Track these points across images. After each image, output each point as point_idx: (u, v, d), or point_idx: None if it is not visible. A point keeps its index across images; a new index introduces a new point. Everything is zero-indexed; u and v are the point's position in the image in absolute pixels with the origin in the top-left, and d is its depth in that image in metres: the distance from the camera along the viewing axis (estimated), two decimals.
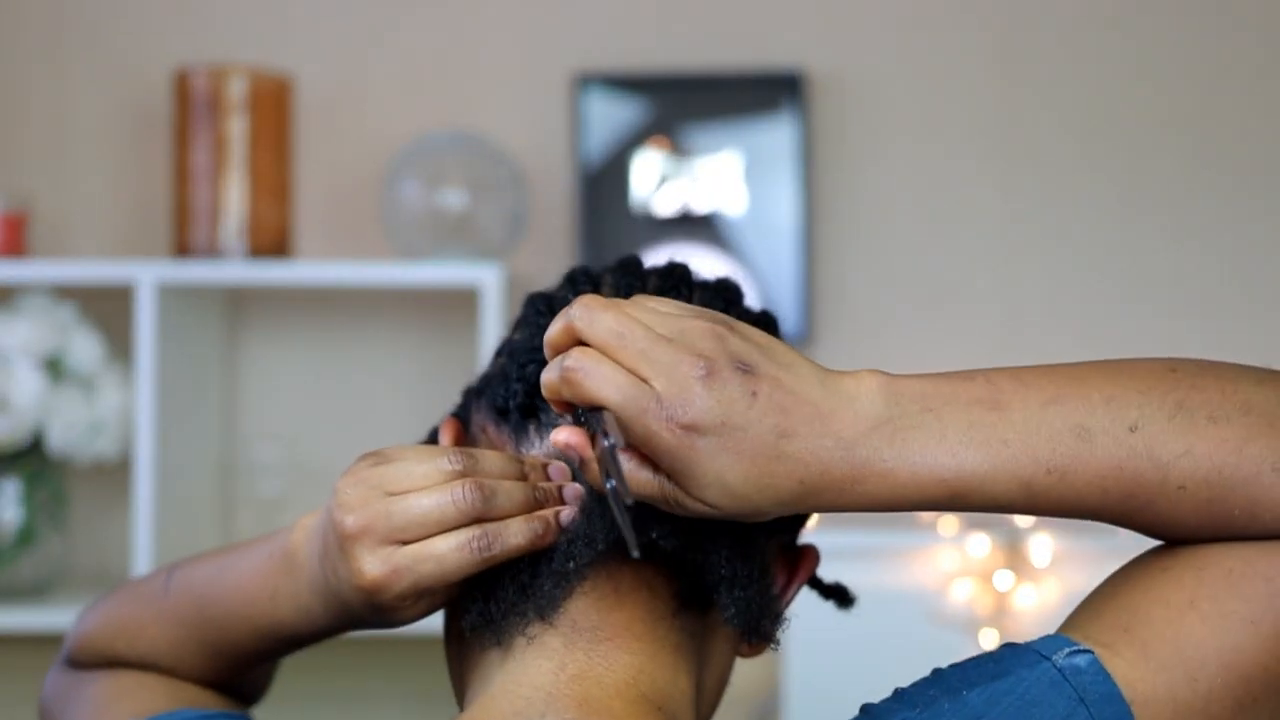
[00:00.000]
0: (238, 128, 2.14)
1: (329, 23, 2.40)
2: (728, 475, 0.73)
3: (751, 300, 0.92)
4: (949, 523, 2.12)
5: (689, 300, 0.87)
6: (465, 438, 0.91)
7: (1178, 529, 0.76)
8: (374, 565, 0.81)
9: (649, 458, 0.74)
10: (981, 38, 2.34)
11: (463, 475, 0.81)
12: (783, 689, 2.01)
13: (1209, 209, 2.32)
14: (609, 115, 2.32)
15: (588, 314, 0.74)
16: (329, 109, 2.37)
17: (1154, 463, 0.74)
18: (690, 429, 0.72)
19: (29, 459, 2.17)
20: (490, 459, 0.83)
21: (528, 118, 2.36)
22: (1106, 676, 0.73)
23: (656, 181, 2.32)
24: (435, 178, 2.20)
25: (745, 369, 0.74)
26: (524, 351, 0.88)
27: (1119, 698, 0.73)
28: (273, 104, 2.17)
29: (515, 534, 0.81)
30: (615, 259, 0.92)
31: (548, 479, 0.84)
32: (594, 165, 2.32)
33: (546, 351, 0.77)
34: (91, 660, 1.03)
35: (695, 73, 2.33)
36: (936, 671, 0.78)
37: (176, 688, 0.98)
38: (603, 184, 2.32)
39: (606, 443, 0.73)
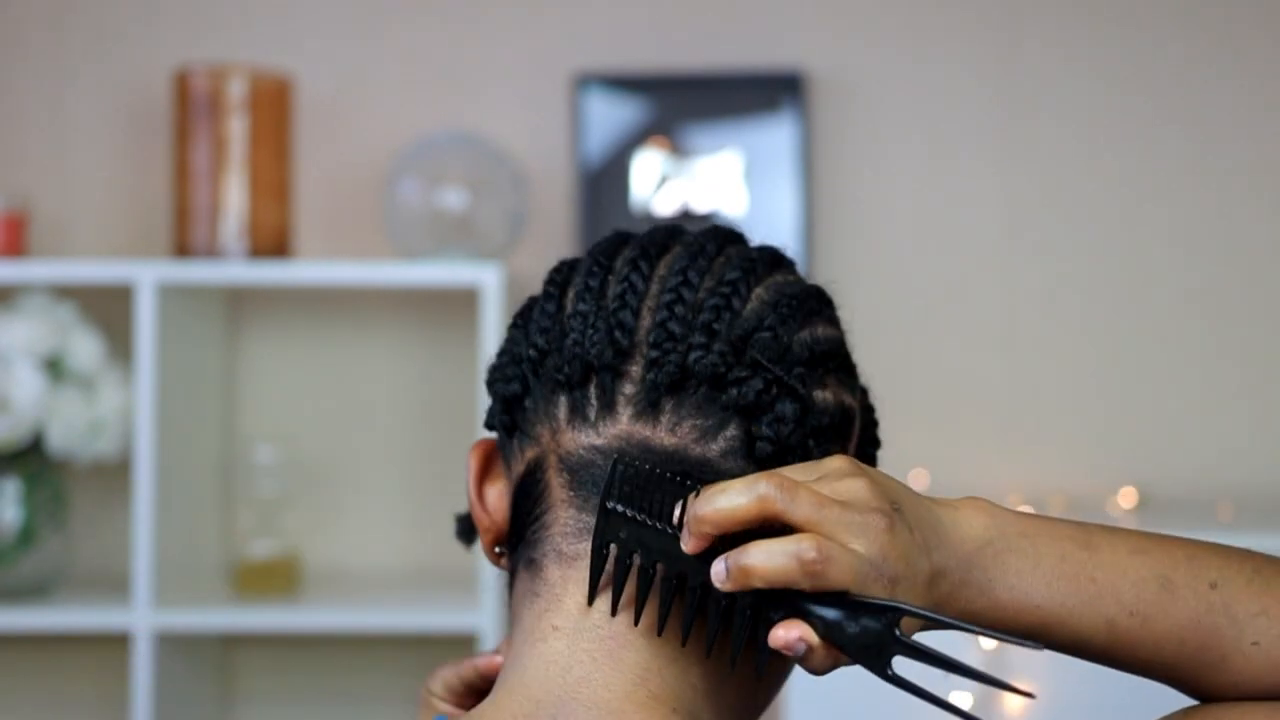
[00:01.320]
0: (238, 128, 2.14)
1: (329, 23, 2.40)
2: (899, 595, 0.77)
3: (749, 240, 0.90)
4: None
5: (655, 267, 0.85)
6: (495, 457, 0.89)
7: (1244, 687, 0.80)
8: (823, 546, 0.79)
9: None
10: (981, 38, 2.34)
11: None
12: (783, 689, 2.01)
13: (1210, 209, 2.32)
14: (609, 115, 2.32)
15: (787, 495, 0.75)
16: (329, 109, 2.37)
17: (1231, 619, 0.79)
18: (894, 581, 0.76)
19: (29, 459, 2.17)
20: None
21: (528, 118, 2.36)
22: None
23: (656, 181, 2.32)
24: (435, 178, 2.20)
25: (896, 508, 0.77)
26: (495, 369, 0.88)
27: None
28: (273, 104, 2.17)
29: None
30: (595, 242, 0.90)
31: None
32: (594, 165, 2.32)
33: (721, 525, 0.76)
34: None
35: (695, 73, 2.33)
36: None
37: None
38: (603, 184, 2.32)
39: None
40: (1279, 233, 2.32)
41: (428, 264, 2.17)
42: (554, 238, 2.34)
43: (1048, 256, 2.33)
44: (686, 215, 2.32)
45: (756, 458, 0.82)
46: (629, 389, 0.82)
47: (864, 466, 0.79)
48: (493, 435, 0.90)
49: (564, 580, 0.82)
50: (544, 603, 0.82)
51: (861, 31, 2.35)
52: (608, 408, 0.82)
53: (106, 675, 2.32)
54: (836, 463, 0.78)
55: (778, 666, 0.87)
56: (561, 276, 0.88)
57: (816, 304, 0.87)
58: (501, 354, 0.88)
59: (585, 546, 0.82)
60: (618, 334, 0.82)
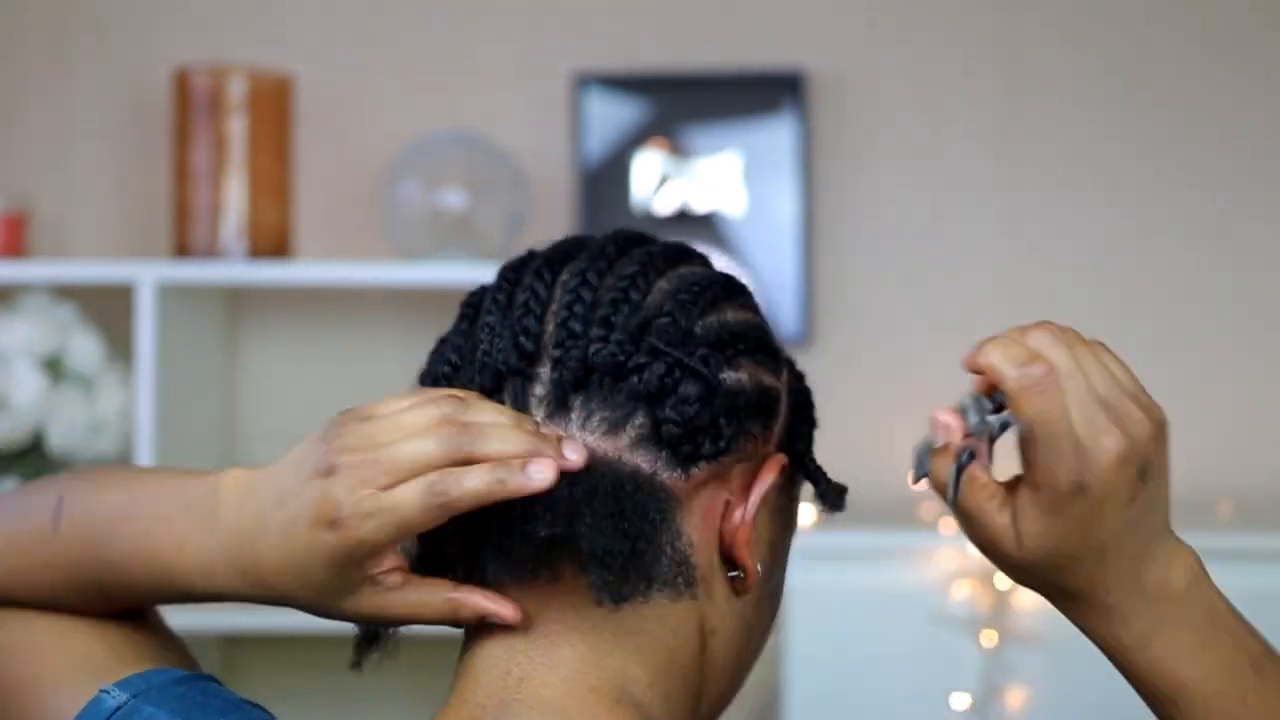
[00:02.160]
0: (238, 128, 2.14)
1: (329, 23, 2.40)
2: (1061, 542, 0.78)
3: (789, 287, 0.91)
4: (949, 523, 2.12)
5: (558, 275, 0.86)
6: None
7: None
8: (345, 505, 0.78)
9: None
10: (981, 37, 2.34)
11: (450, 419, 0.79)
12: (783, 689, 2.01)
13: (1211, 208, 2.32)
14: (609, 115, 2.32)
15: (1061, 344, 0.80)
16: (329, 109, 2.37)
17: None
18: (1077, 489, 0.77)
19: (29, 459, 2.17)
20: (486, 407, 0.80)
21: (528, 118, 2.36)
22: None
23: (656, 181, 2.32)
24: (435, 178, 2.20)
25: (1144, 475, 0.78)
26: (425, 365, 0.91)
27: None
28: (273, 104, 2.17)
29: (473, 478, 0.76)
30: (552, 241, 0.91)
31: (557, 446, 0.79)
32: (594, 165, 2.32)
33: (1007, 352, 0.83)
34: None
35: (695, 73, 2.33)
36: None
37: (94, 629, 0.90)
38: (603, 184, 2.32)
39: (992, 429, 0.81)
40: (1279, 232, 2.32)
41: (428, 264, 2.17)
42: (554, 238, 2.32)
43: (1048, 256, 2.33)
44: (686, 215, 2.32)
45: (666, 441, 0.81)
46: (539, 391, 0.82)
47: (1159, 446, 0.80)
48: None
49: (502, 581, 0.81)
50: (479, 603, 0.82)
51: (861, 31, 2.35)
52: (521, 410, 0.82)
53: None
54: (1153, 408, 0.81)
55: (741, 643, 0.86)
56: (474, 298, 0.89)
57: (724, 290, 0.86)
58: (421, 378, 0.90)
59: (522, 546, 0.80)
60: (522, 339, 0.83)
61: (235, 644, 2.37)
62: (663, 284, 0.85)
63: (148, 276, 2.10)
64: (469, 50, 2.38)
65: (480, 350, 0.85)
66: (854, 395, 2.26)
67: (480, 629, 0.82)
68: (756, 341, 0.85)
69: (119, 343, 2.24)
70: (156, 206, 2.35)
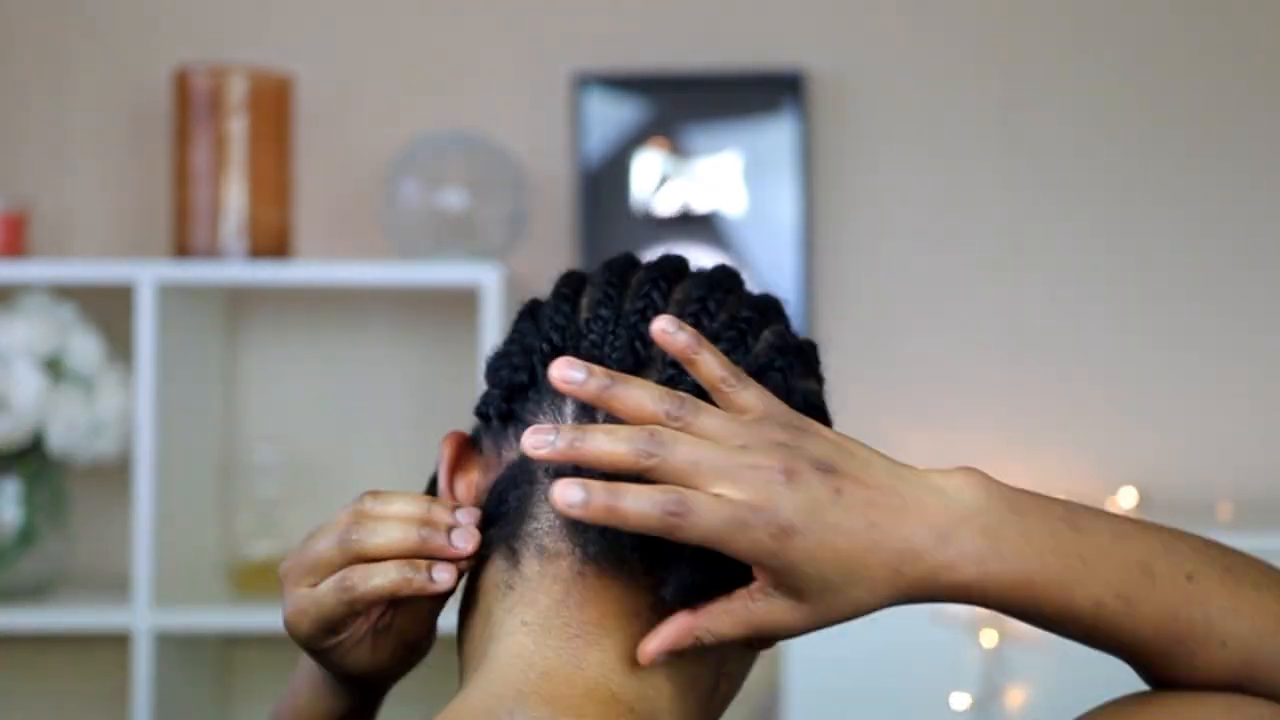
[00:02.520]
0: (238, 128, 2.14)
1: (329, 23, 2.40)
2: (826, 572, 0.75)
3: (751, 286, 0.91)
4: None
5: (670, 291, 0.86)
6: (468, 450, 0.90)
7: (1204, 681, 0.80)
8: (287, 605, 0.85)
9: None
10: (981, 38, 2.34)
11: (358, 514, 0.84)
12: (783, 689, 2.01)
13: (1212, 209, 2.32)
14: (609, 115, 2.32)
15: (660, 447, 0.75)
16: (329, 109, 2.37)
17: (1205, 615, 0.79)
18: (786, 532, 0.74)
19: (29, 459, 2.17)
20: (398, 501, 0.84)
21: (528, 118, 2.36)
22: None
23: (656, 181, 2.32)
24: (435, 178, 2.20)
25: (825, 469, 0.76)
26: (498, 356, 0.88)
27: None
28: (273, 104, 2.17)
29: (379, 576, 0.82)
30: (606, 258, 0.91)
31: (453, 521, 0.84)
32: (594, 165, 2.32)
33: (593, 466, 0.76)
34: None
35: (695, 73, 2.33)
36: None
37: None
38: (603, 184, 2.32)
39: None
40: (1279, 233, 2.32)
41: (428, 264, 2.17)
42: (554, 238, 2.34)
43: (1048, 256, 2.33)
44: (686, 215, 2.32)
45: None
46: None
47: (824, 429, 0.79)
48: (462, 429, 0.91)
49: (541, 576, 0.82)
50: (516, 596, 0.82)
51: (861, 31, 2.35)
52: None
53: (106, 675, 2.32)
54: (778, 408, 0.79)
55: (739, 665, 0.89)
56: (573, 284, 0.89)
57: (814, 356, 0.90)
58: (509, 343, 0.88)
59: (568, 545, 0.82)
60: (638, 344, 0.83)
61: (235, 644, 2.37)
62: (768, 335, 0.87)
63: (148, 276, 2.10)
64: (469, 50, 2.38)
65: (588, 340, 0.84)
66: (854, 395, 2.26)
67: (512, 623, 0.82)
68: (825, 415, 0.90)
69: (119, 343, 2.24)
70: (156, 206, 2.35)
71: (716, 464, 0.74)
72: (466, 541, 0.82)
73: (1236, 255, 2.32)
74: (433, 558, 0.83)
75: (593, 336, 0.84)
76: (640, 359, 0.83)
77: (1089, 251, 2.33)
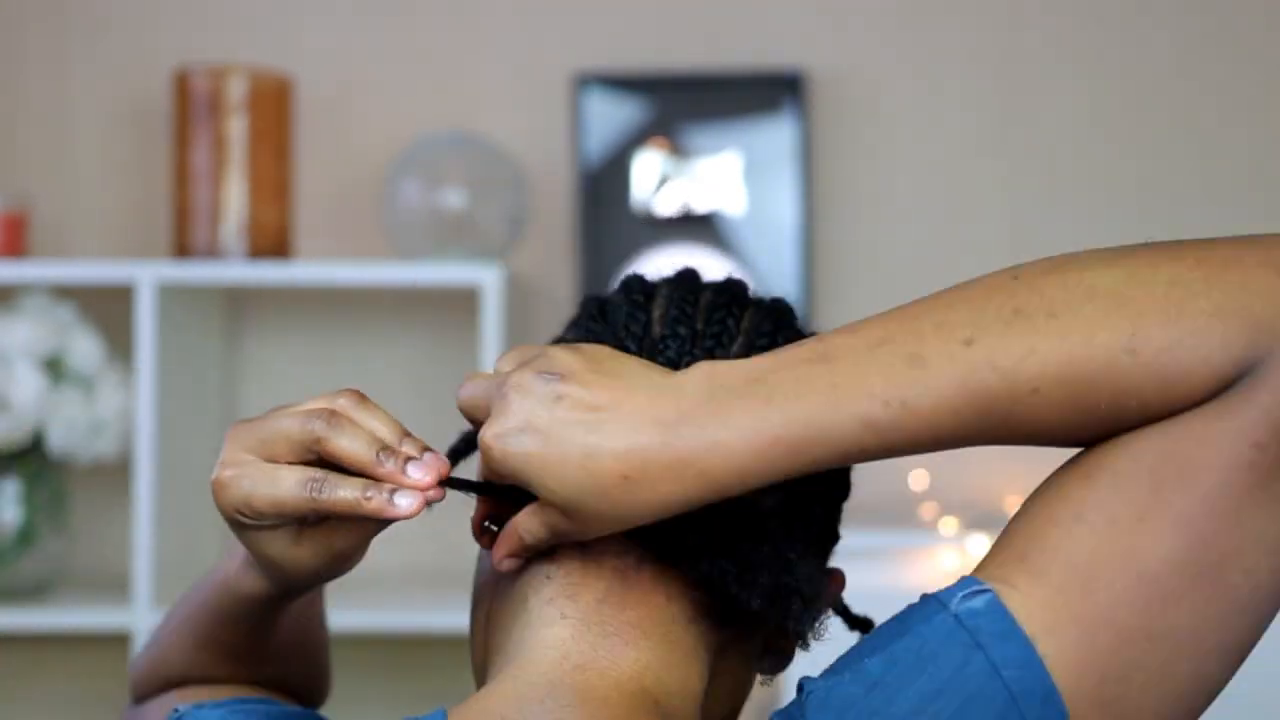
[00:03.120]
0: (238, 128, 2.14)
1: (329, 23, 2.40)
2: (549, 480, 0.75)
3: (791, 289, 0.93)
4: (949, 523, 2.12)
5: (741, 318, 0.88)
6: None
7: (1052, 435, 0.74)
8: (229, 461, 0.82)
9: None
10: (981, 37, 2.34)
11: (334, 414, 0.82)
12: (783, 689, 2.01)
13: (1212, 209, 2.32)
14: (609, 115, 2.32)
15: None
16: (329, 109, 2.37)
17: (998, 372, 0.72)
18: (500, 436, 0.76)
19: (29, 459, 2.17)
20: (377, 416, 0.83)
21: (528, 118, 2.36)
22: (1004, 613, 0.72)
23: (656, 181, 2.32)
24: (435, 178, 2.20)
25: (552, 376, 0.76)
26: None
27: (1018, 634, 0.72)
28: (273, 104, 2.17)
29: (346, 489, 0.79)
30: (674, 271, 0.91)
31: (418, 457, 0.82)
32: (594, 165, 2.32)
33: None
34: (147, 693, 1.06)
35: (695, 73, 2.33)
36: (866, 636, 0.78)
37: (219, 691, 0.99)
38: (603, 184, 2.32)
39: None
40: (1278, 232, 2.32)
41: (428, 264, 2.17)
42: (554, 238, 2.34)
43: (1047, 256, 2.33)
44: (686, 215, 2.32)
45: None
46: None
47: (584, 347, 0.79)
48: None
49: (584, 573, 0.82)
50: (555, 588, 0.82)
51: (861, 31, 2.35)
52: None
53: (106, 675, 2.32)
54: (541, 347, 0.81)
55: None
56: (644, 290, 0.89)
57: None
58: (579, 341, 0.87)
59: (612, 545, 0.82)
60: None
61: None
62: None
63: (148, 276, 2.10)
64: (469, 50, 2.38)
65: (665, 358, 0.85)
66: None
67: (550, 614, 0.82)
68: None
69: (119, 343, 2.24)
70: (156, 206, 2.35)
71: (473, 390, 0.81)
72: (424, 474, 0.80)
73: None
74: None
75: (669, 353, 0.85)
76: None
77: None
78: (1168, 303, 0.71)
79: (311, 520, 0.82)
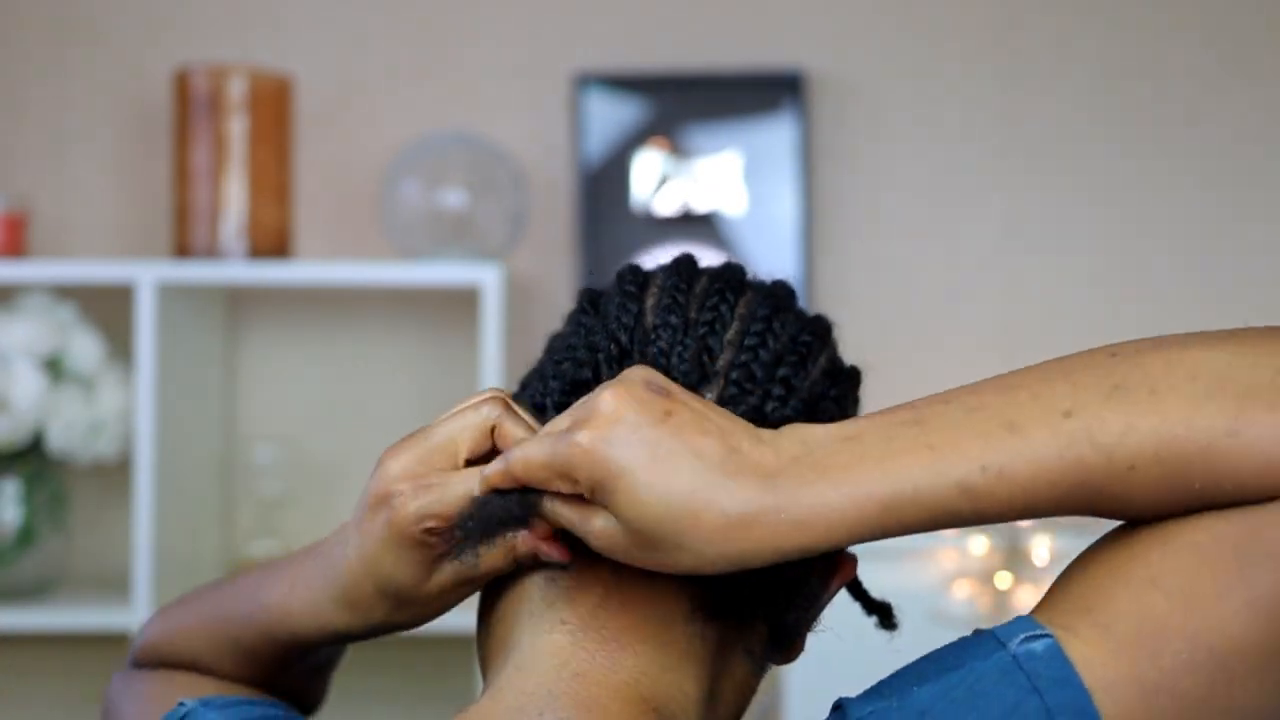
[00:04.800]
0: (238, 128, 2.14)
1: (329, 23, 2.40)
2: (640, 499, 0.72)
3: (803, 305, 0.92)
4: None
5: (735, 304, 0.87)
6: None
7: (1143, 510, 0.73)
8: (400, 477, 0.81)
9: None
10: (981, 38, 2.34)
11: (493, 400, 0.82)
12: (783, 689, 2.01)
13: (1211, 209, 2.32)
14: (609, 115, 2.32)
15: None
16: (329, 109, 2.37)
17: (1095, 446, 0.71)
18: (603, 439, 0.73)
19: (29, 459, 2.17)
20: (523, 411, 0.83)
21: (528, 118, 2.37)
22: (1064, 661, 0.71)
23: (656, 181, 2.32)
24: (435, 178, 2.20)
25: (662, 391, 0.75)
26: (561, 350, 0.87)
27: (1076, 682, 0.71)
28: (273, 104, 2.17)
29: (565, 509, 0.78)
30: (671, 257, 0.90)
31: None
32: (594, 165, 2.32)
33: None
34: (150, 662, 1.05)
35: (695, 73, 2.33)
36: (913, 663, 0.77)
37: (222, 686, 0.99)
38: (603, 184, 2.32)
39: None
40: (1278, 233, 2.32)
41: (428, 264, 2.17)
42: (554, 238, 2.34)
43: (1048, 256, 2.33)
44: (686, 215, 2.32)
45: None
46: None
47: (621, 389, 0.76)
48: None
49: (582, 574, 0.82)
50: (557, 592, 0.82)
51: (861, 31, 2.35)
52: None
53: (106, 675, 2.31)
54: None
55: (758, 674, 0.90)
56: (638, 280, 0.88)
57: (859, 381, 0.91)
58: (572, 336, 0.87)
59: None
60: (704, 357, 0.83)
61: None
62: (823, 361, 0.88)
63: (148, 276, 2.10)
64: (469, 50, 2.38)
65: (656, 347, 0.84)
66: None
67: (550, 619, 0.82)
68: None
69: (119, 343, 2.24)
70: (156, 206, 2.35)
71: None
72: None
73: (1236, 255, 2.32)
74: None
75: (660, 344, 0.84)
76: (705, 373, 0.83)
77: (1088, 251, 2.33)
78: (1273, 388, 0.72)
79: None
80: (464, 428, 0.81)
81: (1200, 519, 0.72)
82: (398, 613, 0.87)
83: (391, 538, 0.82)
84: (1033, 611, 0.76)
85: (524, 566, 0.84)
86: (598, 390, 0.75)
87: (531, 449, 0.76)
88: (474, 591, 0.86)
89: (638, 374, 0.75)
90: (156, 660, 1.04)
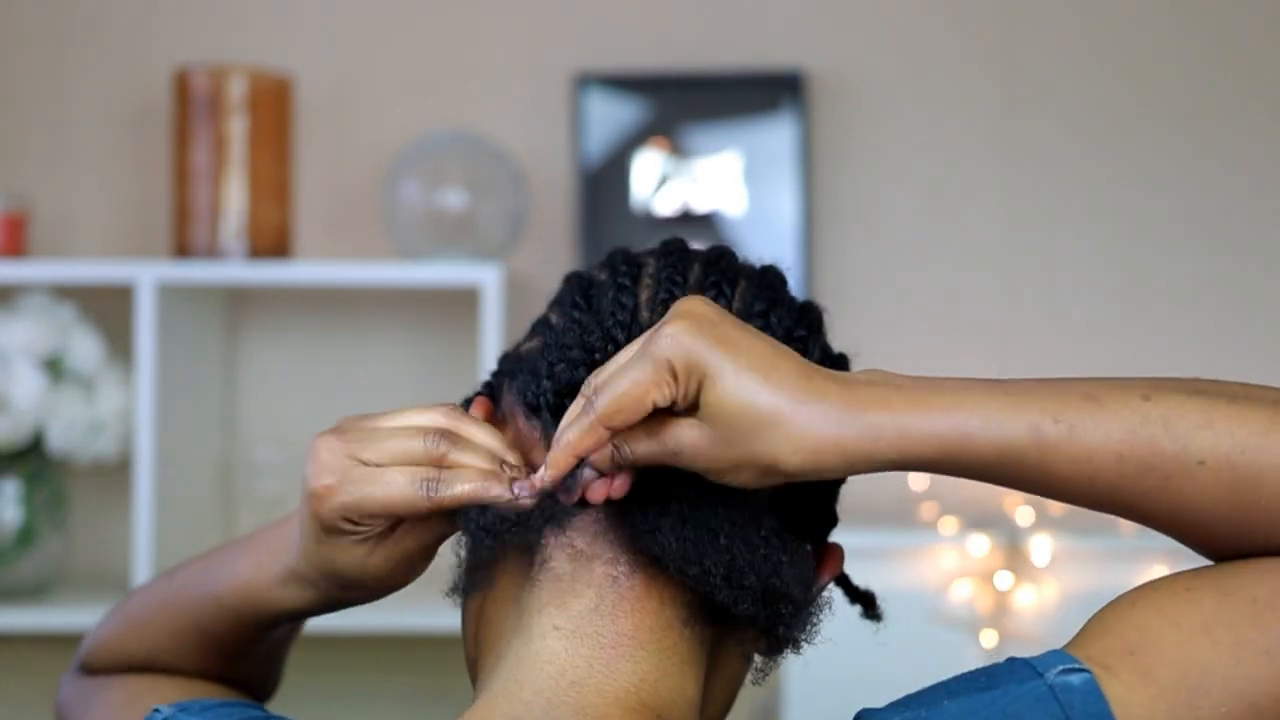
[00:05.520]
0: (238, 128, 2.14)
1: (329, 23, 2.40)
2: (728, 381, 0.73)
3: (794, 290, 0.91)
4: (949, 523, 2.12)
5: (732, 297, 0.86)
6: (496, 415, 0.89)
7: (1198, 515, 0.73)
8: (328, 469, 0.82)
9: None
10: (982, 37, 2.34)
11: (441, 430, 0.82)
12: (783, 689, 2.02)
13: (1210, 209, 2.32)
14: (609, 115, 2.32)
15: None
16: (329, 109, 2.37)
17: (1170, 432, 0.71)
18: (688, 330, 0.74)
19: (29, 459, 2.17)
20: (479, 430, 0.83)
21: (528, 118, 2.36)
22: (1100, 697, 0.72)
23: (656, 181, 2.32)
24: (435, 178, 2.20)
25: (718, 301, 0.77)
26: (555, 348, 0.86)
27: (1109, 718, 0.71)
28: (273, 104, 2.17)
29: (464, 480, 0.80)
30: (660, 242, 0.90)
31: (527, 468, 0.82)
32: (594, 165, 2.32)
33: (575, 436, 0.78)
34: (105, 665, 1.05)
35: (695, 73, 2.33)
36: (943, 681, 0.77)
37: (186, 684, 0.99)
38: (603, 184, 2.33)
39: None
40: (1278, 233, 2.32)
41: (428, 264, 2.17)
42: (554, 238, 2.34)
43: (1048, 256, 2.33)
44: (686, 215, 2.32)
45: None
46: None
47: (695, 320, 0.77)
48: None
49: (574, 579, 0.81)
50: (546, 595, 0.82)
51: (861, 31, 2.35)
52: None
53: None
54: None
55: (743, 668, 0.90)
56: (631, 270, 0.87)
57: (847, 369, 0.91)
58: (564, 334, 0.86)
59: (603, 551, 0.81)
60: None
61: None
62: (815, 354, 0.88)
63: (148, 276, 2.10)
64: (469, 50, 2.38)
65: None
66: None
67: (542, 624, 0.81)
68: None
69: (119, 343, 2.24)
70: (156, 206, 2.35)
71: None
72: (526, 493, 0.80)
73: (1236, 255, 2.32)
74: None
75: None
76: None
77: (1087, 251, 2.33)
78: None
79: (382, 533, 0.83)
80: (410, 448, 0.81)
81: (1256, 570, 0.73)
82: (349, 591, 0.88)
83: (320, 528, 0.84)
84: (1069, 645, 0.76)
85: (486, 559, 0.84)
86: (659, 323, 0.76)
87: (618, 383, 0.76)
88: (425, 566, 0.87)
89: (697, 300, 0.76)
90: (110, 662, 1.04)
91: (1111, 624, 0.76)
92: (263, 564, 0.93)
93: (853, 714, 0.78)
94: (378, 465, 0.81)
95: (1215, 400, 0.72)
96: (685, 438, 0.75)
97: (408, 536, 0.84)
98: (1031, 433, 0.72)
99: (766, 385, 0.73)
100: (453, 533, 0.84)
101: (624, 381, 0.75)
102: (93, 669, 1.06)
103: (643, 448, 0.77)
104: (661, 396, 0.75)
